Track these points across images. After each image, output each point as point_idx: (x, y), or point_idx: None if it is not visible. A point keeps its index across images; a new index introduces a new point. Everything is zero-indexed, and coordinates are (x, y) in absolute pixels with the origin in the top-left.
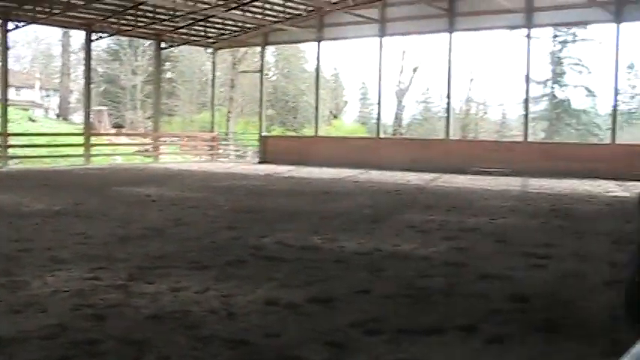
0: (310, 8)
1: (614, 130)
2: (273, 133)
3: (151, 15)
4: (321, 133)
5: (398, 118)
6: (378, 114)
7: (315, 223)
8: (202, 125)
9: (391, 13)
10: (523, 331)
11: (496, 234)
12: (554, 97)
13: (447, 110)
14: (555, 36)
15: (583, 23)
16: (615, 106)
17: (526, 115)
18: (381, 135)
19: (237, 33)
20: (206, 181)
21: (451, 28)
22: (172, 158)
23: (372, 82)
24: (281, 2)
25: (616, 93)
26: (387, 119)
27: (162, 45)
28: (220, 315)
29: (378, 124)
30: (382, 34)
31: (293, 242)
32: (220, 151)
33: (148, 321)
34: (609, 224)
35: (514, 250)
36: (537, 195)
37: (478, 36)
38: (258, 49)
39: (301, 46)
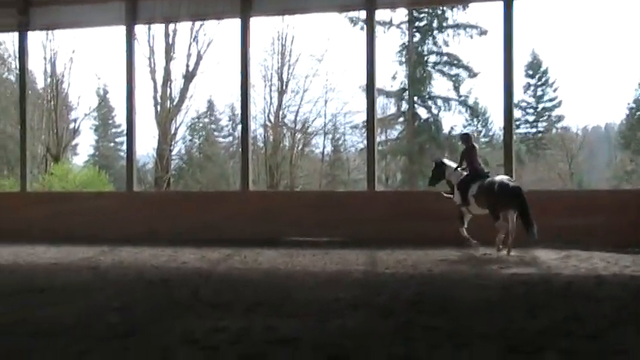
0: None
1: (509, 167)
2: None
3: None
4: (34, 186)
5: (163, 156)
6: (129, 151)
7: (25, 345)
8: None
9: None
10: None
11: (329, 346)
12: (415, 116)
13: (243, 142)
14: (414, 20)
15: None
16: (509, 128)
17: (372, 148)
18: (136, 187)
19: None
20: None
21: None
22: None
23: (117, 97)
24: None
25: (510, 108)
26: (146, 158)
27: None
28: None
29: (129, 168)
30: (133, 18)
31: None
32: None
33: None
34: (504, 320)
35: None
36: (393, 277)
37: (292, 20)
38: None
39: None
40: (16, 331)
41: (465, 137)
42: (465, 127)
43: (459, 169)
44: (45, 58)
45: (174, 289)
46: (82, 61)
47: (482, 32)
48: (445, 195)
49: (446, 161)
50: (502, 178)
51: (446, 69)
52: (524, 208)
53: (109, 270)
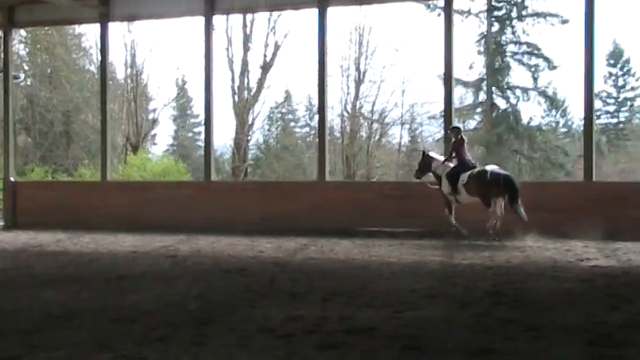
0: None
1: (588, 158)
2: (30, 178)
3: None
4: (113, 175)
5: (240, 146)
6: (207, 141)
7: (105, 331)
8: None
9: None
10: None
11: (404, 336)
12: (494, 107)
13: (320, 132)
14: (492, 8)
15: None
16: (589, 119)
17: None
18: (213, 177)
19: None
20: None
21: (324, 2)
22: None
23: (195, 88)
24: None
25: (590, 98)
26: (223, 148)
27: None
28: None
29: (207, 157)
30: (211, 9)
31: None
32: None
33: None
34: (583, 313)
35: None
36: (470, 269)
37: (369, 10)
38: None
39: (76, 28)
40: (97, 317)
41: (456, 130)
42: (542, 118)
43: (447, 161)
44: (125, 49)
45: (251, 278)
46: (161, 52)
47: (564, 21)
48: (430, 186)
49: (432, 154)
50: (493, 167)
51: (525, 59)
52: (515, 196)
53: (186, 258)
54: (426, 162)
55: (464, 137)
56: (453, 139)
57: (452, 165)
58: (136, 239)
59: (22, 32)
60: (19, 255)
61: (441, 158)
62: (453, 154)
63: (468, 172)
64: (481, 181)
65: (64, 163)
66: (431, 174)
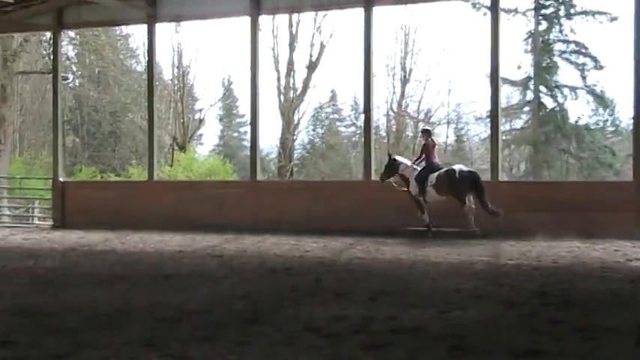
0: None
1: (638, 157)
2: (79, 178)
3: None
4: (160, 175)
5: (286, 146)
6: (253, 141)
7: (152, 330)
8: None
9: None
10: None
11: (451, 336)
12: (541, 106)
13: (366, 131)
14: (540, 7)
15: None
16: (639, 117)
17: (496, 137)
18: (259, 177)
19: (8, 8)
20: None
21: (370, 1)
22: None
23: (241, 88)
24: None
25: (639, 95)
26: (269, 148)
27: None
28: None
29: (253, 157)
30: (258, 9)
31: None
32: None
33: None
34: (632, 314)
35: None
36: (516, 269)
37: (415, 9)
38: (49, 34)
39: (124, 29)
40: (144, 316)
41: (428, 133)
42: (590, 117)
43: (414, 164)
44: (172, 50)
45: (297, 277)
46: (208, 52)
47: (613, 18)
48: (400, 189)
49: (398, 158)
50: (460, 166)
51: (573, 57)
52: (481, 191)
53: (232, 258)
54: (393, 165)
55: (434, 140)
56: (424, 142)
57: (419, 168)
58: (182, 239)
59: (71, 34)
60: (68, 254)
61: (408, 162)
62: (422, 157)
63: (436, 173)
64: (451, 180)
65: (111, 163)
66: (398, 176)
